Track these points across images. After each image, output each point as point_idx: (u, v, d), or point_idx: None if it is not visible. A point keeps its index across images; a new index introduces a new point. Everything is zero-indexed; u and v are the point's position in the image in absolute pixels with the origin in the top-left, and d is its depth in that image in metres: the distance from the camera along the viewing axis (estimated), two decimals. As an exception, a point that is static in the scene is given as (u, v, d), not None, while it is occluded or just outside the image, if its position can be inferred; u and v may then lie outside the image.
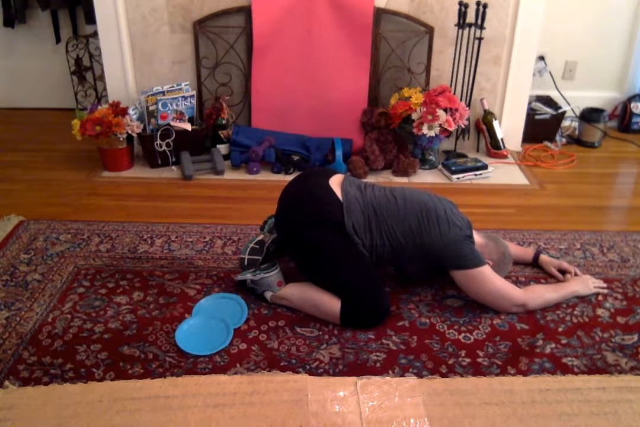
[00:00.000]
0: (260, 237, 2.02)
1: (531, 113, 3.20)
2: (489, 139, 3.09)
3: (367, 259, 1.79)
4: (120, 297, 1.91)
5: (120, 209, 2.54)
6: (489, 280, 1.77)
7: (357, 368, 1.61)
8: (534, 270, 2.08)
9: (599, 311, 1.86)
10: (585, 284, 1.94)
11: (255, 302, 1.88)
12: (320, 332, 1.75)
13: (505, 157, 3.08)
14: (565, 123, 3.38)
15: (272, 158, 2.85)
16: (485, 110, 3.05)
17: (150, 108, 2.85)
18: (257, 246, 1.99)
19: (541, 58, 3.34)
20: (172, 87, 2.90)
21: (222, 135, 2.96)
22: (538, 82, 3.33)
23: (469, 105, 2.97)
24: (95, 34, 3.18)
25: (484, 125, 3.06)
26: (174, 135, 2.87)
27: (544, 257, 2.08)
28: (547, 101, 3.35)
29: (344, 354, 1.67)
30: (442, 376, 1.59)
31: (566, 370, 1.61)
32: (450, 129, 2.72)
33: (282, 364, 1.63)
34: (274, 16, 2.81)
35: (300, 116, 3.00)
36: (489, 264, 1.81)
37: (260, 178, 2.85)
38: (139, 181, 2.81)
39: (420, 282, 1.97)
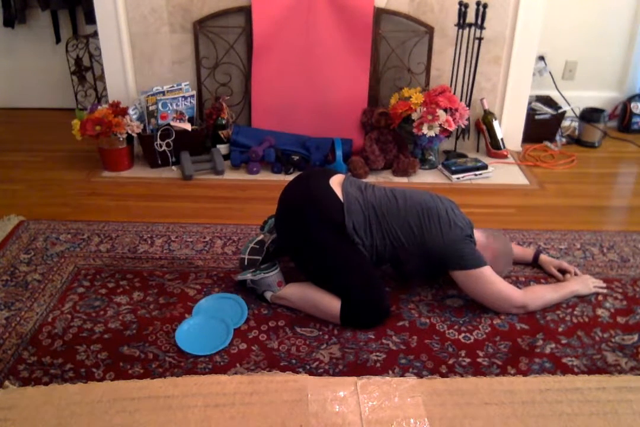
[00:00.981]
0: (260, 237, 2.02)
1: (531, 113, 3.20)
2: (489, 139, 3.09)
3: (367, 259, 1.79)
4: (120, 297, 1.91)
5: (120, 209, 2.54)
6: (490, 281, 1.77)
7: (357, 368, 1.61)
8: (534, 270, 2.08)
9: (599, 311, 1.86)
10: (585, 284, 1.94)
11: (255, 302, 1.88)
12: (320, 332, 1.75)
13: (505, 157, 3.08)
14: (565, 123, 3.38)
15: (272, 158, 2.85)
16: (485, 110, 3.05)
17: (150, 108, 2.85)
18: (257, 246, 1.99)
19: (541, 58, 3.34)
20: (172, 87, 2.90)
21: (222, 135, 2.96)
22: (538, 82, 3.33)
23: (469, 105, 2.97)
24: (95, 34, 3.18)
25: (484, 125, 3.06)
26: (174, 135, 2.87)
27: (544, 257, 2.08)
28: (547, 101, 3.35)
29: (344, 354, 1.66)
30: (442, 376, 1.59)
31: (566, 370, 1.61)
32: (450, 129, 2.72)
33: (282, 364, 1.63)
34: (274, 16, 2.81)
35: (300, 116, 3.00)
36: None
37: (260, 178, 2.85)
38: (139, 181, 2.81)
39: (420, 283, 1.97)
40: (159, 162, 2.92)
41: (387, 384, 1.52)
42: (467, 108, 2.82)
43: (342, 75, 2.92)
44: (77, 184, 2.77)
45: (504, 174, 2.91)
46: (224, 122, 2.94)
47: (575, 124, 3.36)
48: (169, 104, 2.87)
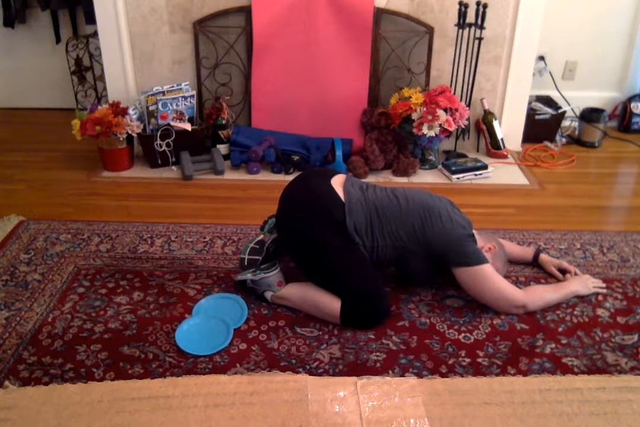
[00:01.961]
0: (260, 237, 2.02)
1: (531, 113, 3.20)
2: (489, 139, 3.09)
3: (368, 259, 1.79)
4: (120, 297, 1.91)
5: (120, 209, 2.54)
6: (490, 278, 1.78)
7: (357, 368, 1.61)
8: (534, 270, 2.08)
9: (599, 311, 1.86)
10: (584, 284, 1.94)
11: (255, 302, 1.88)
12: (320, 332, 1.75)
13: (505, 157, 3.08)
14: (565, 123, 3.38)
15: (272, 158, 2.85)
16: (485, 110, 3.05)
17: (150, 108, 2.85)
18: (257, 246, 1.99)
19: (541, 58, 3.34)
20: (172, 87, 2.90)
21: (222, 135, 2.96)
22: (538, 82, 3.33)
23: (469, 105, 2.97)
24: (95, 34, 3.18)
25: (484, 125, 3.06)
26: (174, 135, 2.87)
27: (543, 257, 2.08)
28: (547, 101, 3.35)
29: (344, 354, 1.67)
30: (442, 376, 1.59)
31: (566, 370, 1.61)
32: (450, 129, 2.72)
33: (282, 364, 1.63)
34: (274, 16, 2.81)
35: (300, 116, 3.00)
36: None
37: (260, 178, 2.85)
38: (139, 181, 2.81)
39: (421, 284, 1.97)
40: (159, 162, 2.92)
41: (387, 384, 1.52)
42: (467, 108, 2.82)
43: (342, 75, 2.92)
44: (77, 184, 2.77)
45: (504, 174, 2.91)
46: (224, 122, 2.94)
47: (575, 124, 3.36)
48: (169, 104, 2.87)
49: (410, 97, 2.77)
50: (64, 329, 1.76)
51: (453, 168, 2.85)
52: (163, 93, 2.87)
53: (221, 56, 2.96)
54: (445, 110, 2.71)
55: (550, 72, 3.39)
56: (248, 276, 1.88)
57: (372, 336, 1.73)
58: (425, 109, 2.72)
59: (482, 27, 2.75)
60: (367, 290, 1.75)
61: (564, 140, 3.28)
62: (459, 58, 2.90)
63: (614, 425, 1.41)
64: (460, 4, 2.76)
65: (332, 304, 1.75)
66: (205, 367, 1.61)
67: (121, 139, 2.81)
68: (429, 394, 1.49)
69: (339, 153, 2.80)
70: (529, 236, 2.31)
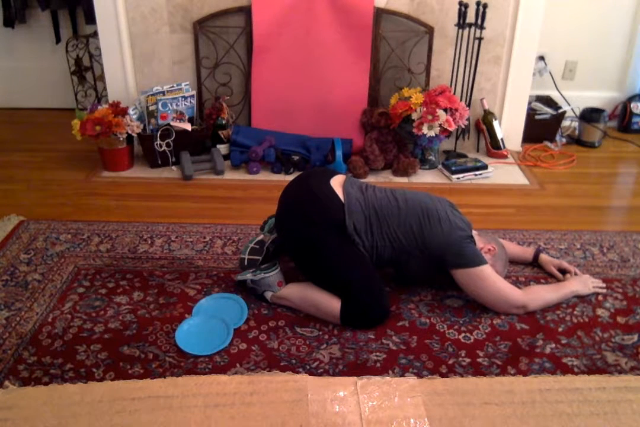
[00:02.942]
0: (260, 237, 2.02)
1: (531, 113, 3.20)
2: (489, 139, 3.09)
3: (367, 259, 1.79)
4: (120, 297, 1.91)
5: (120, 209, 2.54)
6: (490, 280, 1.78)
7: (357, 368, 1.61)
8: (534, 270, 2.08)
9: (599, 311, 1.86)
10: (584, 284, 1.94)
11: (255, 302, 1.88)
12: (320, 332, 1.75)
13: (505, 157, 3.08)
14: (565, 123, 3.38)
15: (272, 158, 2.85)
16: (485, 110, 3.05)
17: (150, 108, 2.85)
18: (257, 246, 1.99)
19: (541, 58, 3.34)
20: (172, 87, 2.90)
21: (222, 135, 2.96)
22: (538, 82, 3.33)
23: (469, 105, 2.97)
24: (95, 34, 3.18)
25: (484, 125, 3.06)
26: (174, 135, 2.87)
27: (543, 257, 2.08)
28: (547, 101, 3.35)
29: (344, 354, 1.67)
30: (442, 376, 1.59)
31: (566, 370, 1.61)
32: (450, 129, 2.72)
33: (282, 364, 1.63)
34: (274, 16, 2.81)
35: (300, 116, 3.00)
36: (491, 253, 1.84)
37: (260, 178, 2.85)
38: (139, 181, 2.81)
39: (420, 283, 1.97)
40: (159, 162, 2.92)
41: (387, 384, 1.52)
42: (467, 108, 2.82)
43: (342, 75, 2.92)
44: (77, 184, 2.77)
45: (504, 174, 2.91)
46: (224, 122, 2.94)
47: (575, 124, 3.36)
48: (169, 104, 2.87)
49: (410, 97, 2.77)
50: (64, 329, 1.76)
51: (453, 168, 2.85)
52: (163, 93, 2.87)
53: (221, 56, 2.96)
54: (445, 110, 2.71)
55: (550, 72, 3.39)
56: (248, 276, 1.88)
57: (372, 336, 1.73)
58: (425, 109, 2.72)
59: (482, 27, 2.75)
60: (367, 290, 1.75)
61: (564, 140, 3.28)
62: (459, 58, 2.90)
63: (614, 425, 1.41)
64: (460, 4, 2.76)
65: (332, 304, 1.75)
66: (205, 367, 1.61)
67: (121, 139, 2.81)
68: (429, 394, 1.49)
69: (339, 153, 2.79)
70: (529, 235, 2.31)
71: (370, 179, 2.81)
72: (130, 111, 2.83)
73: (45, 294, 1.92)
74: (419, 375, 1.59)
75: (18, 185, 2.75)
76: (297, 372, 1.58)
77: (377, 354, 1.67)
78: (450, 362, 1.64)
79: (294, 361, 1.64)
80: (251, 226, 2.34)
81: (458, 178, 2.83)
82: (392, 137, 2.91)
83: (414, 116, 2.75)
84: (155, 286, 1.97)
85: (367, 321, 1.76)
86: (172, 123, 2.87)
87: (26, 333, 1.73)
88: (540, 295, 1.86)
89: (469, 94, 2.97)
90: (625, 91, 3.48)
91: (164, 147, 2.88)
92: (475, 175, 2.85)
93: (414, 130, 2.75)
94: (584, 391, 1.51)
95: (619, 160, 3.14)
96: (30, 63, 3.65)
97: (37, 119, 3.62)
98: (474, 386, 1.52)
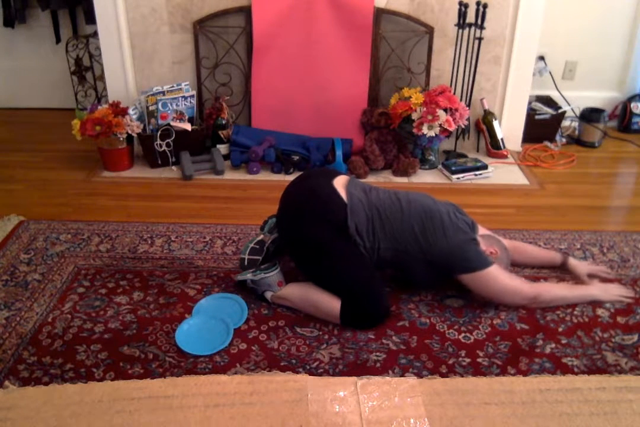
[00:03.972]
0: (260, 237, 2.02)
1: (531, 113, 3.20)
2: (489, 139, 3.09)
3: (368, 259, 1.79)
4: (120, 297, 1.91)
5: (120, 209, 2.54)
6: (498, 279, 1.78)
7: (357, 368, 1.61)
8: (534, 270, 2.07)
9: (599, 311, 1.86)
10: (605, 290, 1.91)
11: (255, 302, 1.88)
12: (320, 332, 1.75)
13: (505, 157, 3.08)
14: (565, 123, 3.38)
15: (272, 158, 2.85)
16: (485, 110, 3.05)
17: (150, 108, 2.85)
18: (257, 246, 1.99)
19: (541, 58, 3.34)
20: (172, 87, 2.90)
21: (222, 135, 2.96)
22: (538, 82, 3.33)
23: (469, 105, 2.97)
24: (95, 34, 3.18)
25: (484, 125, 3.06)
26: (174, 135, 2.87)
27: (572, 261, 2.04)
28: (547, 101, 3.35)
29: (344, 354, 1.67)
30: (442, 376, 1.59)
31: (566, 370, 1.61)
32: (450, 129, 2.72)
33: (282, 364, 1.63)
34: (274, 16, 2.81)
35: (300, 116, 3.00)
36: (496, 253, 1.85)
37: (260, 178, 2.85)
38: (139, 181, 2.81)
39: (422, 287, 1.95)
40: (159, 162, 2.92)
41: (387, 384, 1.52)
42: (467, 108, 2.82)
43: (342, 75, 2.92)
44: (77, 184, 2.77)
45: (504, 174, 2.91)
46: (224, 122, 2.94)
47: (575, 124, 3.36)
48: (169, 104, 2.87)
49: (410, 97, 2.77)
50: (64, 329, 1.76)
51: (453, 168, 2.85)
52: (163, 93, 2.87)
53: (221, 56, 2.96)
54: (445, 110, 2.71)
55: (550, 72, 3.39)
56: (248, 276, 1.88)
57: (372, 336, 1.73)
58: (425, 109, 2.72)
59: (482, 27, 2.75)
60: (367, 290, 1.75)
61: (564, 140, 3.28)
62: (459, 58, 2.90)
63: (614, 425, 1.41)
64: (460, 4, 2.76)
65: (332, 304, 1.75)
66: (205, 367, 1.61)
67: (121, 139, 2.81)
68: (429, 394, 1.49)
69: (339, 153, 2.80)
70: (529, 235, 2.31)
71: (370, 179, 2.81)
72: (130, 111, 2.83)
73: (45, 294, 1.92)
74: (419, 375, 1.59)
75: (18, 185, 2.75)
76: (297, 372, 1.58)
77: (377, 354, 1.67)
78: (450, 362, 1.64)
79: (294, 361, 1.64)
80: (251, 226, 2.34)
81: (458, 178, 2.83)
82: (392, 137, 2.91)
83: (414, 116, 2.75)
84: (155, 286, 1.97)
85: (367, 321, 1.76)
86: (172, 123, 2.87)
87: (26, 333, 1.73)
88: (550, 288, 1.89)
89: (469, 94, 2.97)
90: (625, 91, 3.48)
91: (164, 147, 2.88)
92: (475, 175, 2.85)
93: (414, 130, 2.75)
94: (584, 391, 1.51)
95: (619, 160, 3.14)
96: (30, 63, 3.65)
97: (37, 119, 3.62)
98: (474, 386, 1.52)
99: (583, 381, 1.55)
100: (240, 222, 2.40)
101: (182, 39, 2.93)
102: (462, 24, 2.79)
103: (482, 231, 1.95)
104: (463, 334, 1.75)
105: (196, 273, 2.04)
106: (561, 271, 2.06)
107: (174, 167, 2.93)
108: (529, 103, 3.16)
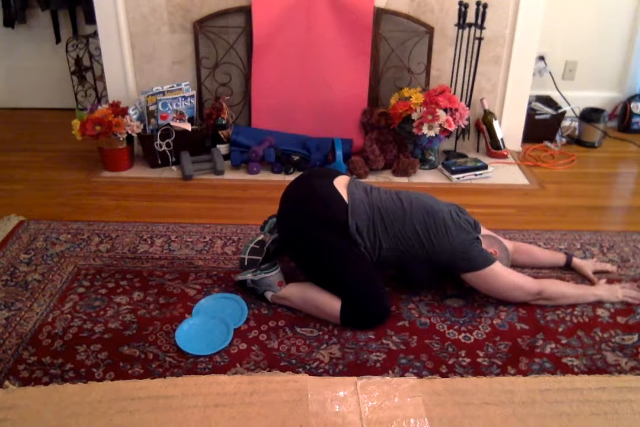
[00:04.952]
0: (261, 237, 2.02)
1: (531, 113, 3.20)
2: (489, 139, 3.09)
3: (368, 259, 1.79)
4: (120, 297, 1.91)
5: (120, 209, 2.54)
6: (502, 276, 1.79)
7: (357, 368, 1.61)
8: (533, 270, 2.07)
9: (599, 311, 1.86)
10: (611, 291, 1.91)
11: (255, 302, 1.88)
12: (320, 332, 1.75)
13: (505, 157, 3.08)
14: (565, 123, 3.38)
15: (272, 158, 2.85)
16: (485, 110, 3.05)
17: (150, 108, 2.85)
18: (257, 246, 1.99)
19: (541, 58, 3.34)
20: (172, 87, 2.90)
21: (222, 135, 2.96)
22: (538, 82, 3.33)
23: (469, 105, 2.97)
24: (95, 34, 3.18)
25: (484, 125, 3.06)
26: (174, 135, 2.87)
27: (577, 261, 2.05)
28: (547, 101, 3.35)
29: (344, 354, 1.67)
30: (442, 376, 1.59)
31: (566, 370, 1.61)
32: (450, 129, 2.72)
33: (282, 364, 1.63)
34: (274, 16, 2.81)
35: (300, 116, 3.00)
36: (496, 253, 1.85)
37: (260, 178, 2.85)
38: (139, 181, 2.81)
39: (423, 286, 1.96)
40: (159, 162, 2.92)
41: (387, 384, 1.52)
42: (467, 108, 2.82)
43: (342, 75, 2.92)
44: (77, 184, 2.77)
45: (504, 174, 2.91)
46: (224, 122, 2.94)
47: (575, 124, 3.36)
48: (169, 104, 2.87)
49: (410, 97, 2.77)
50: (64, 329, 1.76)
51: (453, 168, 2.85)
52: (163, 93, 2.87)
53: (221, 56, 2.96)
54: (445, 110, 2.71)
55: (550, 72, 3.39)
56: (248, 276, 1.88)
57: (372, 336, 1.73)
58: (425, 109, 2.72)
59: (482, 27, 2.75)
60: (367, 290, 1.75)
61: (564, 140, 3.28)
62: (459, 58, 2.90)
63: (614, 425, 1.41)
64: (460, 4, 2.76)
65: (332, 304, 1.75)
66: (205, 367, 1.61)
67: (121, 139, 2.81)
68: (429, 394, 1.49)
69: (339, 153, 2.80)
70: (529, 235, 2.31)
71: (370, 179, 2.81)
72: (130, 111, 2.83)
73: (45, 294, 1.92)
74: (419, 375, 1.59)
75: (18, 185, 2.75)
76: (297, 372, 1.58)
77: (377, 354, 1.67)
78: (450, 362, 1.64)
79: (294, 361, 1.64)
80: (251, 226, 2.34)
81: (458, 178, 2.83)
82: (392, 137, 2.91)
83: (414, 116, 2.75)
84: (155, 286, 1.97)
85: (367, 321, 1.76)
86: (172, 123, 2.87)
87: (26, 333, 1.73)
88: (555, 283, 1.89)
89: (469, 94, 2.97)
90: (625, 91, 3.48)
91: (164, 147, 2.88)
92: (475, 175, 2.85)
93: (414, 130, 2.75)
94: (584, 391, 1.51)
95: (619, 160, 3.14)
96: (30, 63, 3.65)
97: (37, 119, 3.62)
98: (474, 386, 1.52)
99: (583, 381, 1.55)
100: (240, 222, 2.40)
101: (182, 39, 2.93)
102: (462, 24, 2.79)
103: (483, 231, 1.95)
104: (463, 334, 1.75)
105: (196, 273, 2.04)
106: (562, 271, 2.06)
107: (174, 167, 2.93)
108: (529, 103, 3.16)
